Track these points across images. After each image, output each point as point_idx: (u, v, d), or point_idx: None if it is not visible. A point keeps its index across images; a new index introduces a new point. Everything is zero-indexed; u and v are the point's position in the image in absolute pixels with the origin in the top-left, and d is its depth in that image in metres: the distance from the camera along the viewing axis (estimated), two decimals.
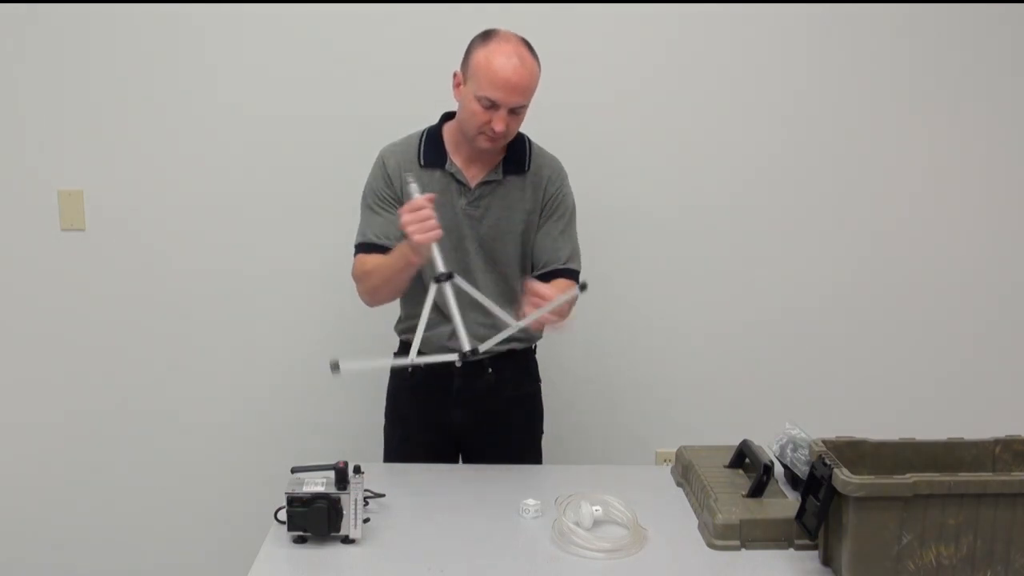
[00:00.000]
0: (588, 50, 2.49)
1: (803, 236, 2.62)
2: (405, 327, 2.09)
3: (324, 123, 2.50)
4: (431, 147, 2.00)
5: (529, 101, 1.89)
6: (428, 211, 1.74)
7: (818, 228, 2.62)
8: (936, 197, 2.62)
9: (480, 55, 1.85)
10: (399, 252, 1.86)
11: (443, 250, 1.79)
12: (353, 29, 2.46)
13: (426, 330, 1.98)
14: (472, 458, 2.14)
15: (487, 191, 1.99)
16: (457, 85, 1.92)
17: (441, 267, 1.76)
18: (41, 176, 2.50)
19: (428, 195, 1.78)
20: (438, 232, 1.75)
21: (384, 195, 1.99)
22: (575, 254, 2.06)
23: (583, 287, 1.82)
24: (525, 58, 1.85)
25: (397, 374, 2.15)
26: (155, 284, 2.56)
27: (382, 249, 1.97)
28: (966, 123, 2.58)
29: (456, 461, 2.15)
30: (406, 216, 1.74)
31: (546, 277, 2.02)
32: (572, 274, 2.04)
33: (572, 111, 2.47)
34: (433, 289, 1.78)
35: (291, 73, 2.48)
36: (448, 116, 2.03)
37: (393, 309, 2.12)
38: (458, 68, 1.92)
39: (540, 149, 2.06)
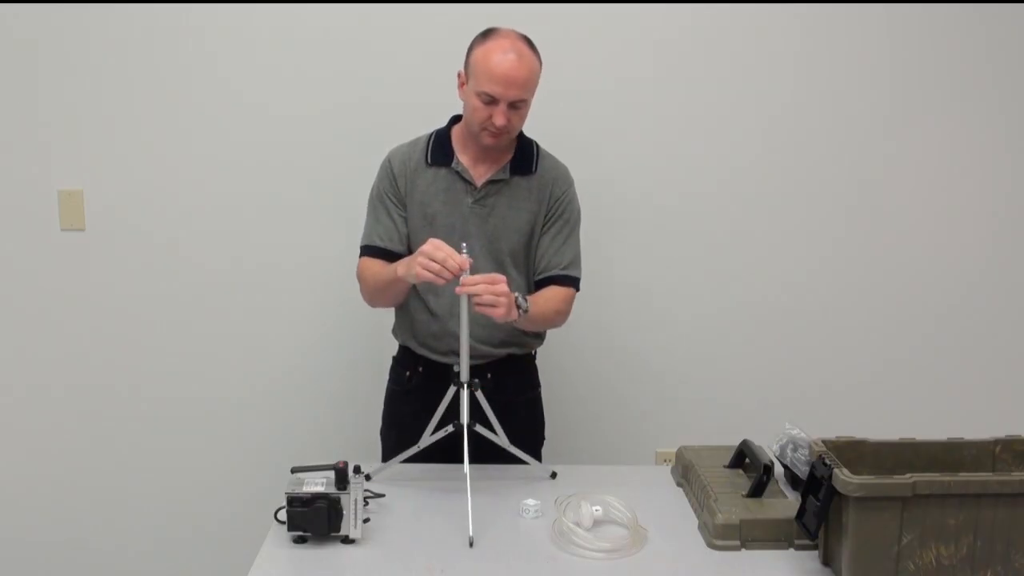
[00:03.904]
0: (589, 49, 2.48)
1: (803, 237, 2.62)
2: (401, 332, 2.12)
3: (326, 124, 2.50)
4: (438, 147, 2.01)
5: (529, 96, 1.90)
6: (445, 260, 1.70)
7: (819, 229, 2.62)
8: (937, 197, 2.61)
9: (478, 52, 1.89)
10: (392, 268, 1.88)
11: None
12: (356, 30, 2.45)
13: (429, 341, 2.04)
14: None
15: (493, 190, 1.99)
16: (461, 84, 1.95)
17: (466, 366, 1.78)
18: (41, 176, 2.50)
19: (469, 259, 1.73)
20: (441, 280, 1.73)
21: (389, 195, 2.01)
22: (575, 261, 2.06)
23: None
24: (522, 53, 1.87)
25: (396, 379, 2.15)
26: (155, 284, 2.56)
27: (386, 252, 1.99)
28: (967, 123, 2.58)
29: None
30: (425, 255, 1.72)
31: (545, 282, 2.03)
32: (571, 280, 2.05)
33: (572, 109, 2.47)
34: (450, 392, 1.82)
35: (293, 73, 2.47)
36: (457, 118, 2.04)
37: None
38: (461, 68, 1.94)
39: (548, 154, 2.07)
